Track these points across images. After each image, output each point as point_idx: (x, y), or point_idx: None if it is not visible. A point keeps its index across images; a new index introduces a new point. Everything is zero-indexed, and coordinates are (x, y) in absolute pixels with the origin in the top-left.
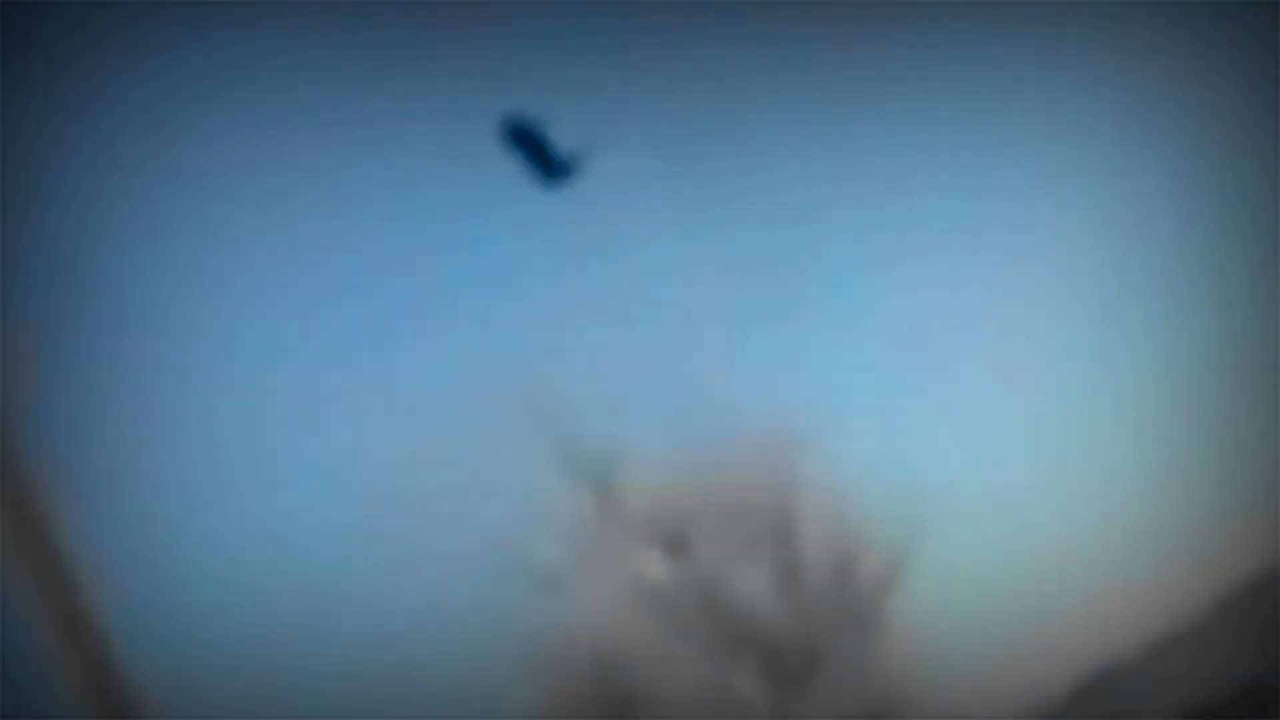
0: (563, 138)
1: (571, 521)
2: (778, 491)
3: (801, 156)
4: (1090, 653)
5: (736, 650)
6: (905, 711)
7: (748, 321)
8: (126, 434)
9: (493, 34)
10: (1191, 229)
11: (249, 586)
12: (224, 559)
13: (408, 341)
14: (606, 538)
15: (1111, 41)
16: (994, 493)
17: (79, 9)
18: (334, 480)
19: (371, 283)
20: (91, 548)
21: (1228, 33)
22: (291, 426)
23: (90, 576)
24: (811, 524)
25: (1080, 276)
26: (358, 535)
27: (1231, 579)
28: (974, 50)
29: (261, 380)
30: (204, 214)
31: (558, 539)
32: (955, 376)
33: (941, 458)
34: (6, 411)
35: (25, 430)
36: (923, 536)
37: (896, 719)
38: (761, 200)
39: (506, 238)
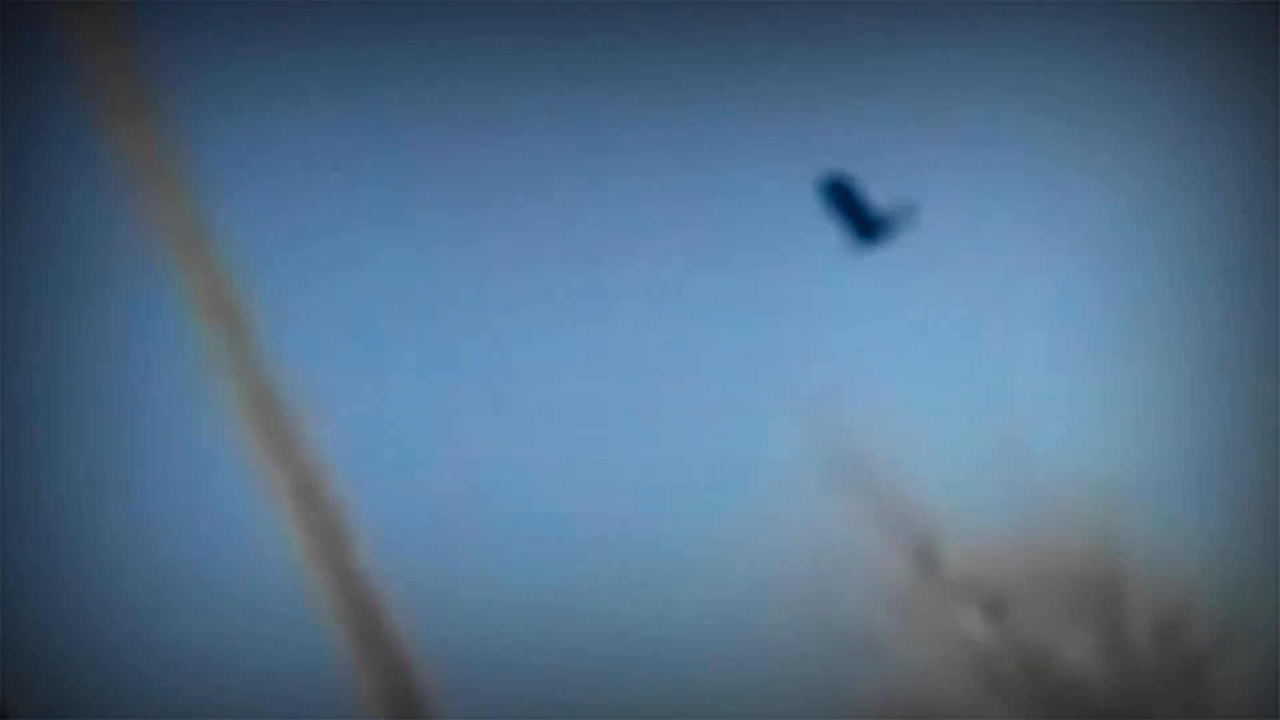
0: (880, 197)
1: (893, 585)
2: (1101, 553)
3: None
4: None
5: (1059, 713)
6: None
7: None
8: None
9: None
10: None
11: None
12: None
13: (732, 408)
14: (928, 601)
15: (1110, 41)
16: None
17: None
18: (654, 548)
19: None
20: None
21: (1228, 33)
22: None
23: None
24: (1137, 586)
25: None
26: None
27: None
28: (973, 50)
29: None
30: None
31: (879, 602)
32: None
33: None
34: None
35: None
36: (1250, 597)
37: None
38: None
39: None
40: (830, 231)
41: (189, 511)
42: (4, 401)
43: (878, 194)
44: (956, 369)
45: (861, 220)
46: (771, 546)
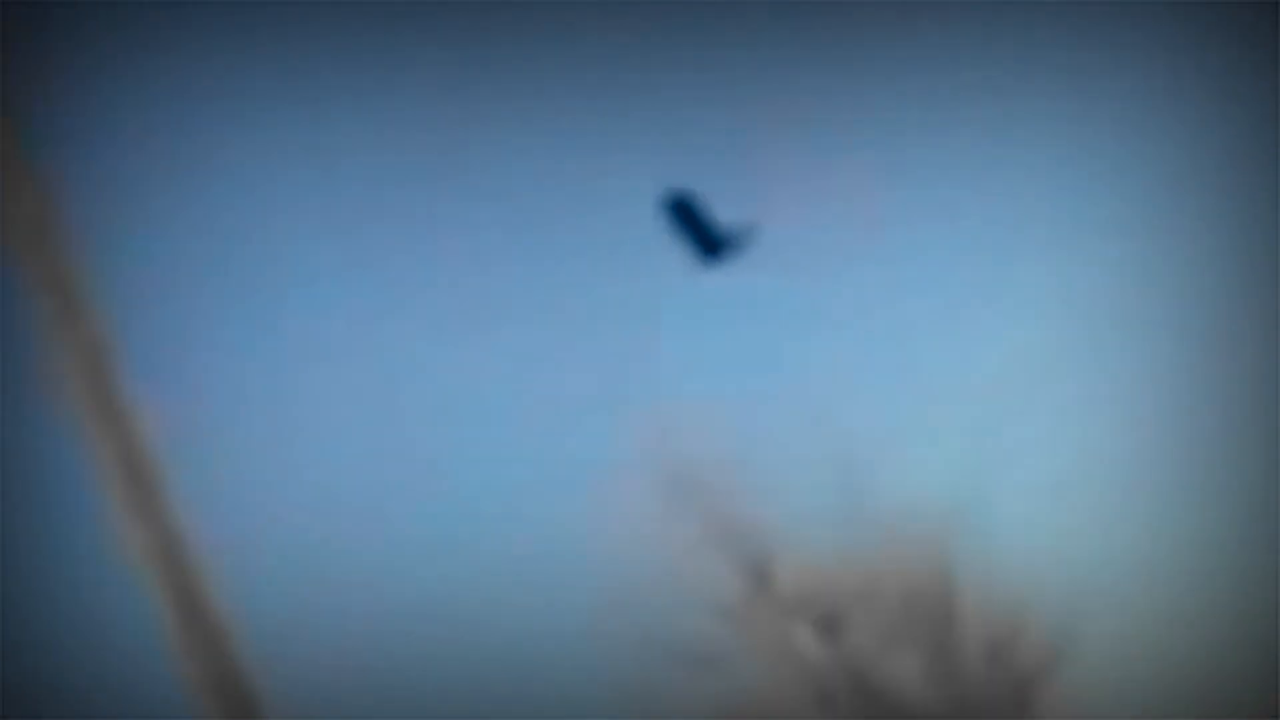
0: (723, 212)
1: (726, 600)
2: (933, 573)
3: None
4: None
5: None
6: None
7: (901, 398)
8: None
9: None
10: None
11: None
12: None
13: (564, 413)
14: (760, 616)
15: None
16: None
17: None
18: (483, 553)
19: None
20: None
21: (1228, 33)
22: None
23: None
24: (968, 606)
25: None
26: (508, 605)
27: None
28: (972, 50)
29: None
30: None
31: (712, 618)
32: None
33: (1102, 538)
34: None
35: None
36: (1082, 620)
37: None
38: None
39: (667, 315)
40: (666, 240)
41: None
42: None
43: (726, 212)
44: (798, 384)
45: (705, 238)
46: (604, 555)
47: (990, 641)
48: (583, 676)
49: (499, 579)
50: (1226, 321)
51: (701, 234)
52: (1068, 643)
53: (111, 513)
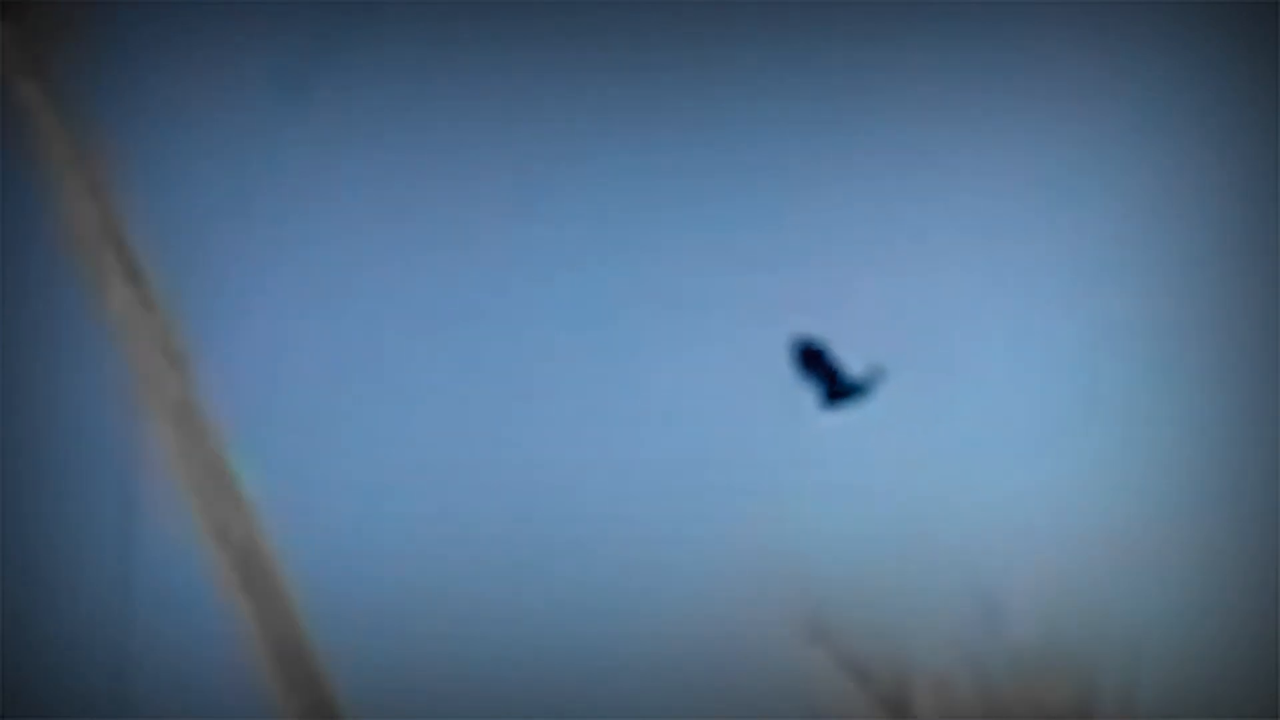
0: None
1: None
2: (1073, 703)
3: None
4: None
5: None
6: None
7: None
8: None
9: None
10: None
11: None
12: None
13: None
14: None
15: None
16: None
17: None
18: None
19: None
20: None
21: (1228, 33)
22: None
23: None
24: None
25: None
26: None
27: None
28: (970, 50)
29: None
30: None
31: None
32: None
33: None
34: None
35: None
36: None
37: None
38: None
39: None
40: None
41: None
42: None
43: None
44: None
45: (835, 384)
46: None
47: None
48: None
49: (616, 585)
50: (1226, 321)
51: (832, 381)
52: None
53: (180, 496)
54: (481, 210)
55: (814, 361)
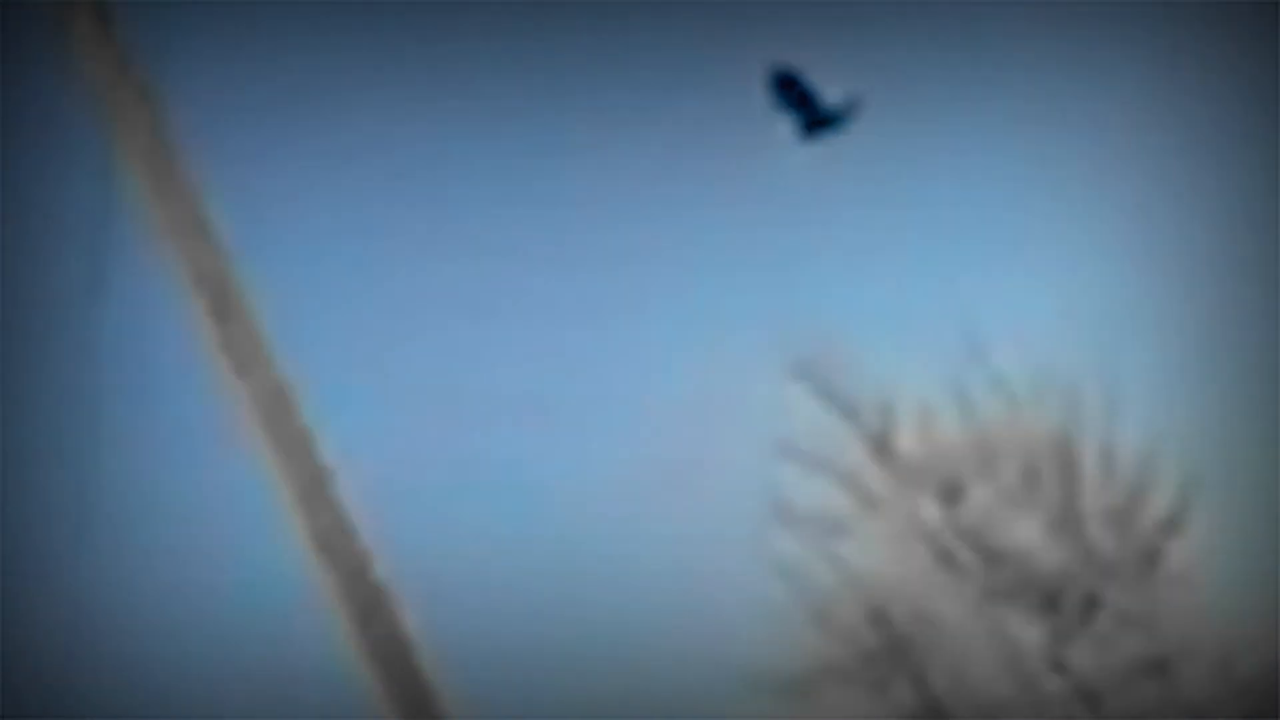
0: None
1: (847, 470)
2: (1056, 435)
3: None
4: None
5: (1013, 595)
6: (1183, 658)
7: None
8: None
9: None
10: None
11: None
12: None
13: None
14: (882, 486)
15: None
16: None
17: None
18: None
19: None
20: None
21: (1228, 33)
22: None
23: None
24: (1091, 469)
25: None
26: (633, 491)
27: None
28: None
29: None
30: None
31: (833, 488)
32: None
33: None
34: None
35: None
36: (1204, 482)
37: (1175, 665)
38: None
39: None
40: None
41: (196, 511)
42: (5, 400)
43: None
44: (917, 257)
45: (811, 114)
46: (720, 434)
47: (1114, 503)
48: (700, 552)
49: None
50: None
51: (807, 110)
52: (1189, 506)
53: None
54: (482, 210)
55: (789, 90)
